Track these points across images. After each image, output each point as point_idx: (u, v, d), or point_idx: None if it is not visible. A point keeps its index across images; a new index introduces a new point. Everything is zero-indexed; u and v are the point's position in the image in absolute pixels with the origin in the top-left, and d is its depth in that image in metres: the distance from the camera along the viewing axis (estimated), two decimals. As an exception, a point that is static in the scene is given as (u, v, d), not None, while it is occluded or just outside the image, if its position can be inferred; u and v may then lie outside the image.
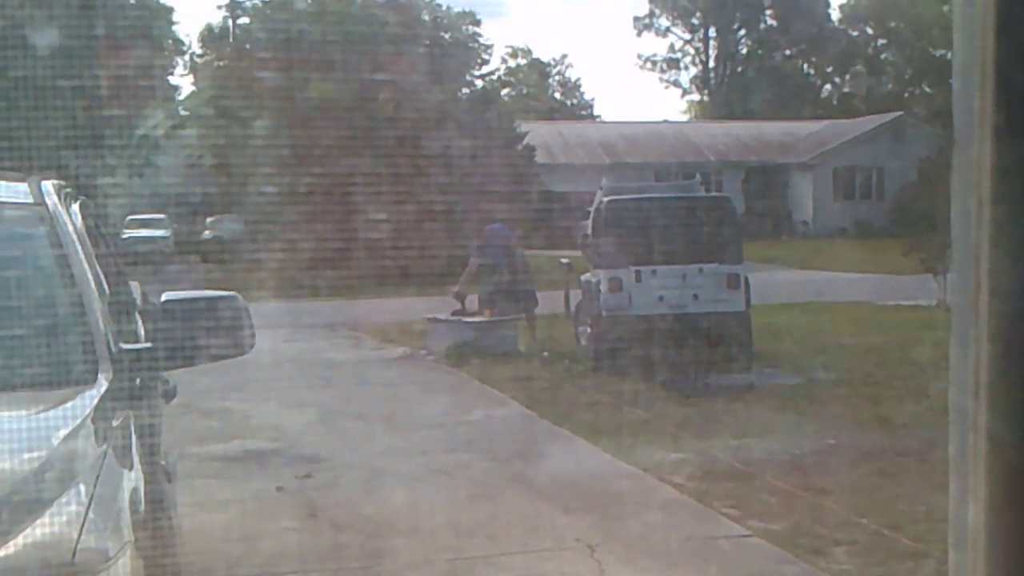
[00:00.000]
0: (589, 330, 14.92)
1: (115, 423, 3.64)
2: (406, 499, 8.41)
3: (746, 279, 14.15)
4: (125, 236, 31.32)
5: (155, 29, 38.02)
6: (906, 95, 63.51)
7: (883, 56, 69.02)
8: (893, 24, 67.39)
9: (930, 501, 7.91)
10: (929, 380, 12.74)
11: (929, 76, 64.78)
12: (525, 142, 35.41)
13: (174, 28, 46.99)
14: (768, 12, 71.57)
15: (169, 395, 5.21)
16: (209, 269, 28.09)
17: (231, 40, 48.49)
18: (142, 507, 3.56)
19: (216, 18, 62.87)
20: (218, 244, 30.67)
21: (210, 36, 52.69)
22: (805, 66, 72.81)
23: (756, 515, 7.78)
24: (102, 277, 4.38)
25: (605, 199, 14.85)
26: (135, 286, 6.13)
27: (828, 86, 72.97)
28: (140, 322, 5.10)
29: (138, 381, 4.03)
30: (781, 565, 6.86)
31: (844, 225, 42.47)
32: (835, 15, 71.24)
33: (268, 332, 10.02)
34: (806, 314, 19.34)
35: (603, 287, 13.98)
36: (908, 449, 9.56)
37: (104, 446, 3.39)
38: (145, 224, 33.63)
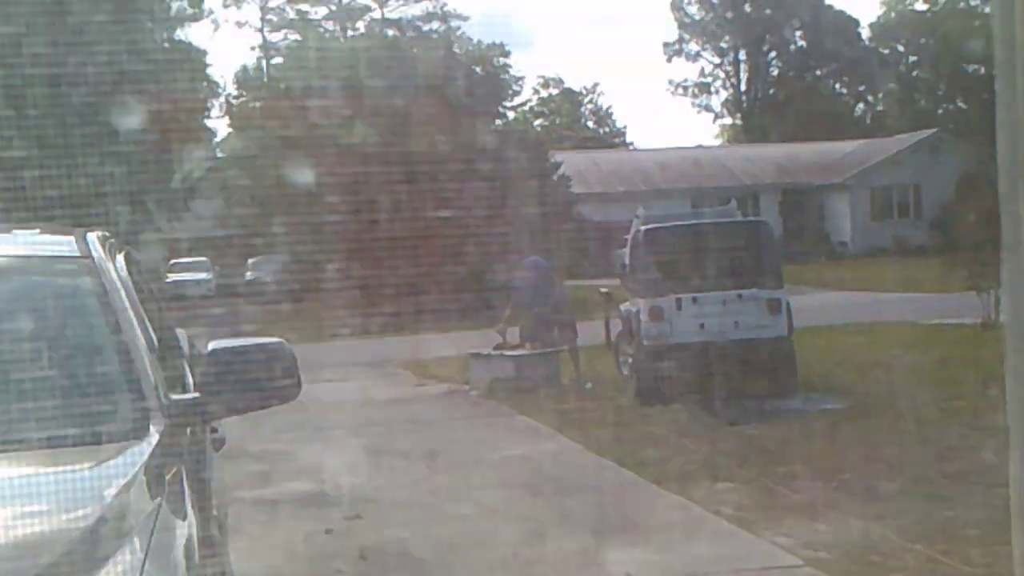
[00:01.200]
0: (631, 360, 14.86)
1: (167, 475, 3.65)
2: (456, 538, 8.38)
3: (787, 303, 14.07)
4: (169, 280, 31.61)
5: (190, 72, 38.47)
6: (940, 111, 63.13)
7: (915, 73, 68.62)
8: (924, 41, 67.09)
9: (983, 525, 7.81)
10: (979, 401, 12.60)
11: (962, 92, 64.43)
12: (560, 172, 35.45)
13: (208, 71, 47.58)
14: (798, 33, 71.51)
15: (218, 444, 5.23)
16: (251, 311, 28.25)
17: (265, 80, 49.02)
18: (196, 558, 3.56)
19: (250, 59, 63.59)
20: (260, 285, 30.86)
21: (245, 77, 53.23)
22: (837, 86, 72.64)
23: (808, 544, 7.69)
24: (149, 327, 4.41)
25: (642, 227, 14.83)
26: (182, 334, 6.16)
27: (861, 105, 72.73)
28: (188, 371, 5.12)
29: (188, 431, 4.05)
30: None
31: (883, 244, 42.16)
32: (865, 34, 71.04)
33: (310, 373, 10.06)
34: (849, 336, 19.20)
35: (643, 316, 13.93)
36: (959, 472, 9.43)
37: (158, 499, 3.39)
38: (188, 268, 33.93)
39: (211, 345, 4.20)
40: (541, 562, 7.74)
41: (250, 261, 34.69)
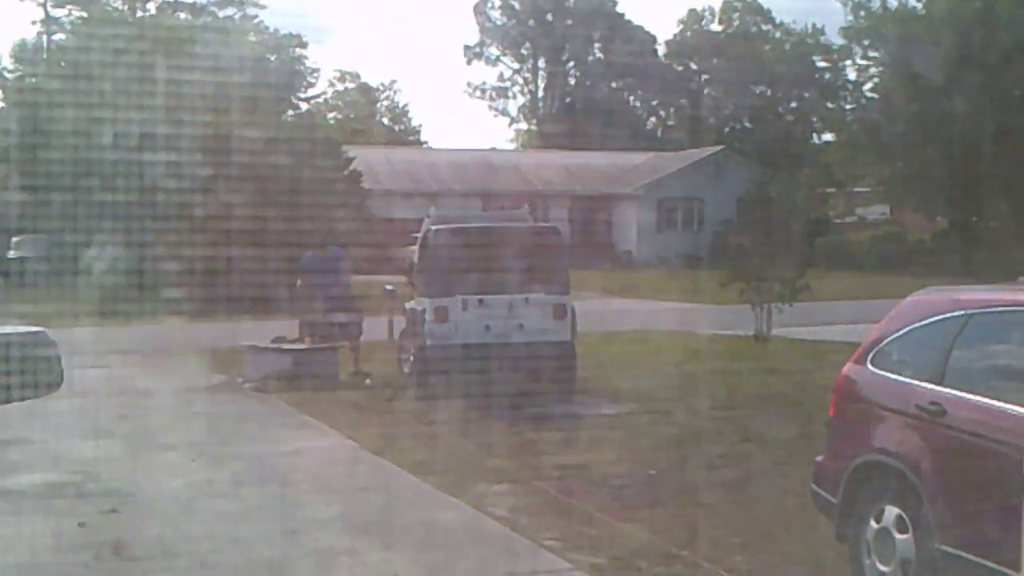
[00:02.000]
0: (413, 358, 14.69)
1: None
2: (214, 534, 8.03)
3: (572, 309, 14.17)
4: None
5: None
6: (727, 130, 65.53)
7: (706, 91, 71.10)
8: (715, 61, 69.60)
9: (744, 532, 7.96)
10: (750, 410, 12.96)
11: (748, 112, 67.04)
12: (352, 167, 35.05)
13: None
14: (596, 45, 73.05)
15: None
16: (12, 290, 26.90)
17: (45, 56, 46.86)
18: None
19: (30, 33, 60.69)
20: (24, 264, 29.47)
21: (23, 52, 50.79)
22: (631, 99, 74.51)
23: (578, 547, 7.67)
24: None
25: (433, 227, 14.69)
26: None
27: (653, 119, 74.80)
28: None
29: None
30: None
31: (666, 255, 43.40)
32: (661, 50, 73.08)
33: (75, 359, 9.51)
34: (630, 343, 19.57)
35: (428, 315, 13.79)
36: (725, 480, 9.62)
37: None
38: (-53, 243, 32.04)
39: (-35, 332, 3.84)
40: (304, 558, 7.48)
41: (14, 240, 33.08)
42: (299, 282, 16.60)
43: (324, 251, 16.49)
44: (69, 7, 56.97)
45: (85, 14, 51.45)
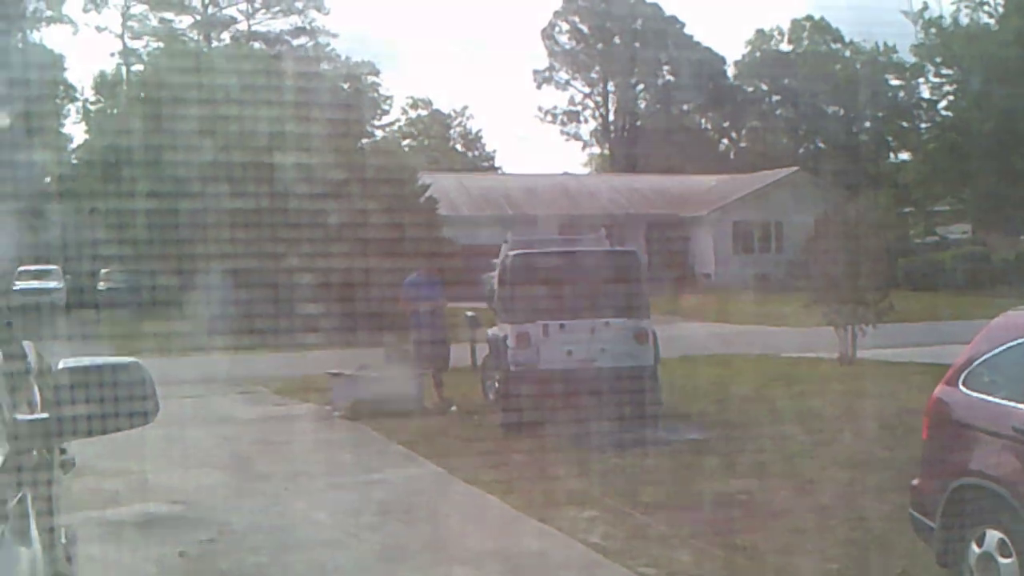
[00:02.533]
0: (497, 384, 14.75)
1: (11, 501, 3.38)
2: (312, 562, 8.13)
3: (654, 333, 14.13)
4: (16, 287, 30.49)
5: (46, 76, 37.32)
6: (800, 150, 64.98)
7: (778, 112, 70.57)
8: (786, 81, 69.06)
9: (841, 559, 7.89)
10: (838, 434, 12.82)
11: (822, 132, 66.45)
12: (428, 194, 35.30)
13: (65, 75, 46.17)
14: (666, 68, 72.87)
15: (67, 466, 4.93)
16: (105, 322, 27.39)
17: (124, 88, 47.76)
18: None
19: (109, 65, 61.93)
20: (114, 295, 29.99)
21: (103, 83, 51.77)
22: (702, 121, 74.21)
23: (672, 574, 7.66)
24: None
25: (511, 252, 14.75)
26: (30, 347, 5.82)
27: (725, 140, 74.40)
28: (36, 389, 4.82)
29: (34, 453, 3.77)
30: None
31: (745, 278, 43.04)
32: (731, 71, 72.74)
33: (164, 389, 9.69)
34: (712, 367, 19.44)
35: (510, 341, 13.82)
36: (819, 505, 9.54)
37: (0, 527, 3.13)
38: (37, 276, 32.75)
39: (62, 363, 3.95)
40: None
41: (103, 271, 33.69)
42: (400, 306, 16.63)
43: (426, 274, 16.50)
44: (146, 38, 58.15)
45: (162, 44, 52.44)
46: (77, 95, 50.95)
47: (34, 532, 3.49)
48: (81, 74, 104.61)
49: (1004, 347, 6.69)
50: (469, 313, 17.10)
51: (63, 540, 4.35)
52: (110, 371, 3.97)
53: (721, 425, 13.54)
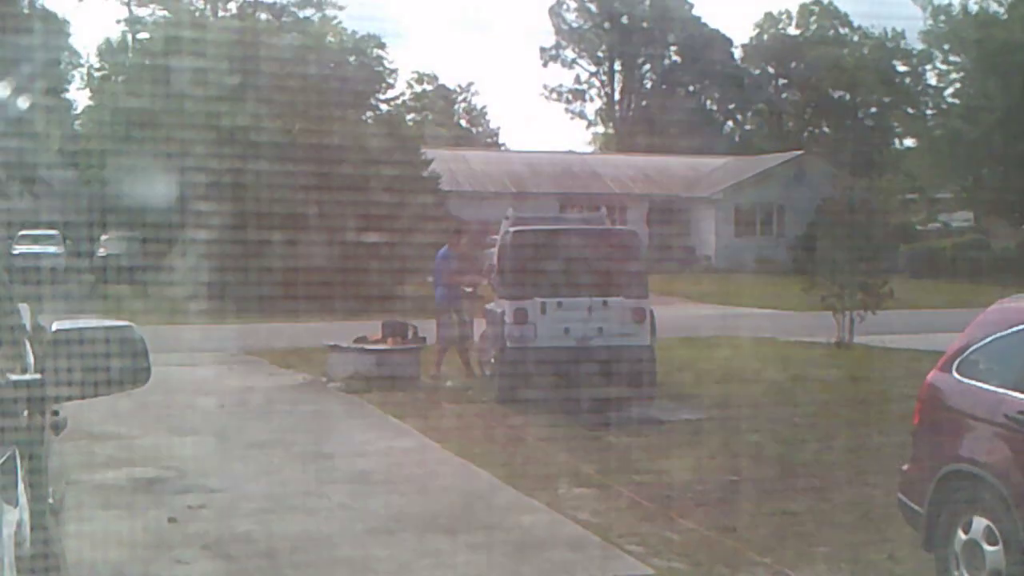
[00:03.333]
0: (493, 360, 14.78)
1: (-1, 459, 3.40)
2: (300, 532, 8.16)
3: (651, 313, 14.15)
4: (15, 252, 30.50)
5: (51, 41, 37.20)
6: (805, 134, 64.87)
7: (784, 95, 70.41)
8: (793, 65, 68.88)
9: (832, 542, 7.93)
10: (832, 417, 12.87)
11: (827, 117, 66.33)
12: (431, 169, 35.27)
13: (70, 40, 46.00)
14: (672, 48, 72.68)
15: (59, 427, 4.94)
16: (102, 287, 27.40)
17: (130, 55, 47.58)
18: (27, 547, 3.33)
19: (115, 32, 61.68)
20: (113, 261, 29.99)
21: (108, 50, 51.55)
22: (708, 102, 74.03)
23: (659, 553, 7.69)
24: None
25: (511, 229, 14.75)
26: (24, 309, 5.83)
27: (730, 123, 74.24)
28: (29, 350, 4.83)
29: (25, 414, 3.79)
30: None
31: (745, 261, 43.01)
32: (738, 54, 72.55)
33: (161, 356, 9.71)
34: (709, 348, 19.47)
35: (508, 318, 13.85)
36: (808, 487, 9.58)
37: (-14, 485, 3.16)
38: (37, 240, 32.76)
39: (55, 326, 3.95)
40: (387, 559, 7.58)
41: (103, 237, 33.69)
42: (430, 278, 16.57)
43: (457, 247, 16.49)
44: (152, 6, 57.88)
45: (167, 13, 52.20)
46: (82, 61, 50.83)
47: (21, 492, 3.51)
48: (86, 40, 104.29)
49: (998, 335, 6.71)
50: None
51: (51, 501, 4.37)
52: (103, 334, 3.98)
53: (715, 406, 13.57)
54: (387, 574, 7.28)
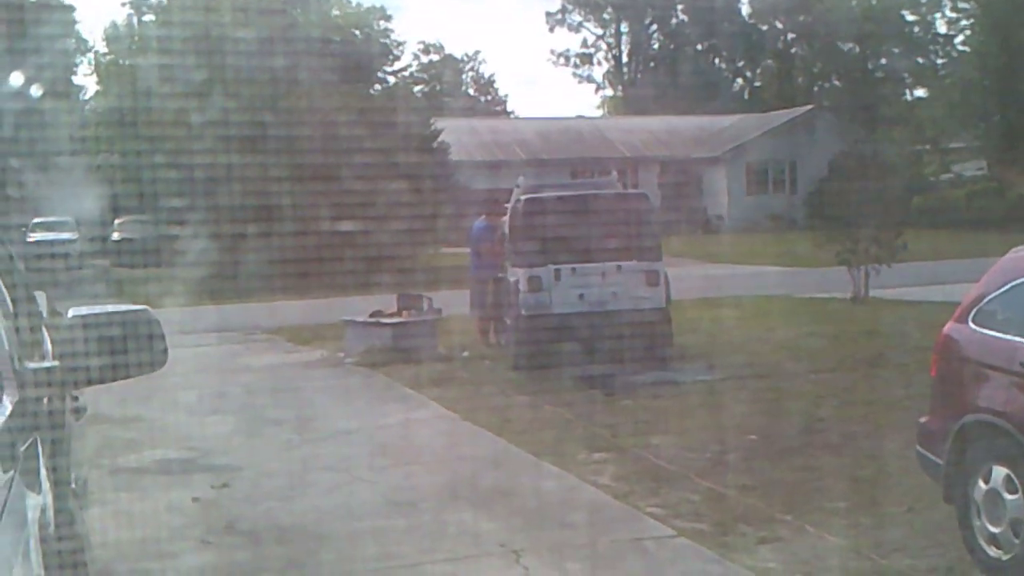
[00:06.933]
0: (508, 329, 14.81)
1: (22, 447, 3.45)
2: (324, 507, 8.23)
3: (665, 275, 14.14)
4: (30, 240, 30.63)
5: (59, 29, 37.15)
6: (816, 89, 64.46)
7: (793, 51, 69.92)
8: (802, 18, 68.33)
9: (850, 496, 7.96)
10: (849, 374, 12.87)
11: (837, 70, 65.86)
12: (440, 139, 35.23)
13: (76, 26, 45.90)
14: (679, 7, 72.15)
15: (79, 413, 5.00)
16: (118, 272, 27.52)
17: (136, 38, 47.50)
18: (51, 531, 3.38)
19: (120, 16, 61.52)
20: (127, 246, 30.09)
21: (115, 34, 51.44)
22: (716, 60, 73.55)
23: (681, 514, 7.73)
24: (4, 290, 4.18)
25: (522, 197, 14.75)
26: (41, 296, 5.89)
27: (739, 80, 73.78)
28: (47, 337, 4.88)
29: (45, 401, 3.84)
30: (708, 565, 6.82)
31: (758, 219, 42.89)
32: (745, 10, 71.99)
33: (178, 338, 9.77)
34: (724, 308, 19.45)
35: (522, 286, 13.86)
36: (828, 443, 9.61)
37: (10, 472, 3.20)
38: (51, 227, 32.87)
39: (72, 312, 4.00)
40: (413, 530, 7.64)
41: (117, 222, 33.79)
42: (470, 251, 16.61)
43: (493, 220, 16.48)
44: (157, -12, 57.72)
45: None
46: (89, 46, 50.73)
47: (44, 477, 3.56)
48: (93, 25, 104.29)
49: (1013, 283, 6.68)
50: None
51: (73, 486, 4.43)
52: (120, 319, 4.02)
53: (732, 366, 13.58)
54: (411, 545, 7.34)
